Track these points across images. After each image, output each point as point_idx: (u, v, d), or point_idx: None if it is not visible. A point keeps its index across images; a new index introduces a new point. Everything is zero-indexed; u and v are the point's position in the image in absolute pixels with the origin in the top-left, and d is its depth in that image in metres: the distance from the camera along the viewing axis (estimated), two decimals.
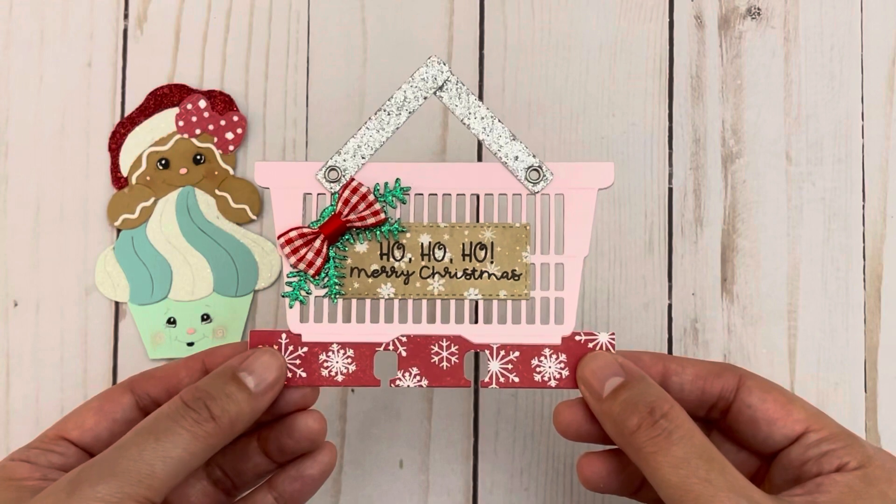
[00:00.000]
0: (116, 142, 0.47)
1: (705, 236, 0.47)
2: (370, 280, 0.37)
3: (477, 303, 0.37)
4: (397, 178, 0.37)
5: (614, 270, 0.47)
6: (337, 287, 0.37)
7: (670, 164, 0.47)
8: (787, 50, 0.48)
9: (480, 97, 0.48)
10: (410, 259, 0.37)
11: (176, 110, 0.47)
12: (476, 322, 0.37)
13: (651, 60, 0.48)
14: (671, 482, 0.32)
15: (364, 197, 0.37)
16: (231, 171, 0.47)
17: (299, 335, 0.37)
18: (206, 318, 0.46)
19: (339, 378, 0.37)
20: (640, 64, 0.48)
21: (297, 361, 0.37)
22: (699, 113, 0.47)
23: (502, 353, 0.37)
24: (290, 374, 0.37)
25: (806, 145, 0.47)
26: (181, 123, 0.47)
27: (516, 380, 0.37)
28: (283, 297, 0.37)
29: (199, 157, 0.47)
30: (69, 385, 0.46)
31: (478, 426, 0.46)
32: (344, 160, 0.37)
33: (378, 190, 0.37)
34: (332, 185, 0.37)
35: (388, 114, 0.37)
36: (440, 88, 0.37)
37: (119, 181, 0.47)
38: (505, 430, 0.46)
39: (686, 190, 0.47)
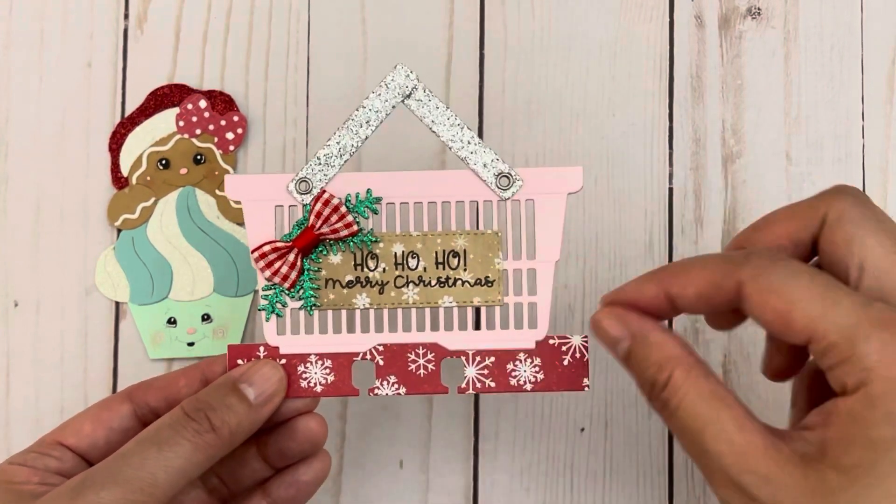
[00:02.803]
0: (117, 142, 0.47)
1: (705, 236, 0.47)
2: (345, 291, 0.38)
3: (452, 310, 0.38)
4: (368, 189, 0.37)
5: (614, 270, 0.47)
6: (312, 299, 0.37)
7: (670, 164, 0.47)
8: (787, 50, 0.48)
9: (481, 97, 0.48)
10: (384, 269, 0.38)
11: (176, 110, 0.47)
12: (451, 329, 0.37)
13: (651, 60, 0.48)
14: (687, 429, 0.31)
15: (336, 209, 0.37)
16: (231, 171, 0.47)
17: (277, 348, 0.37)
18: (206, 318, 0.46)
19: (318, 389, 0.37)
20: (640, 64, 0.48)
21: None
22: (699, 113, 0.47)
23: (478, 359, 0.37)
24: None
25: (806, 145, 0.47)
26: (181, 123, 0.47)
27: (493, 385, 0.37)
28: (259, 310, 0.38)
29: (199, 157, 0.47)
30: (69, 385, 0.46)
31: (478, 426, 0.46)
32: (315, 171, 0.37)
33: (350, 201, 0.37)
34: (303, 196, 0.37)
35: (358, 123, 0.37)
36: (408, 97, 0.37)
37: (119, 181, 0.47)
38: (505, 430, 0.46)
39: (686, 190, 0.47)
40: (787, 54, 0.48)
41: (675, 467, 0.46)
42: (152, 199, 0.46)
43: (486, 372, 0.37)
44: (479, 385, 0.37)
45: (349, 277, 0.38)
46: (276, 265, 0.37)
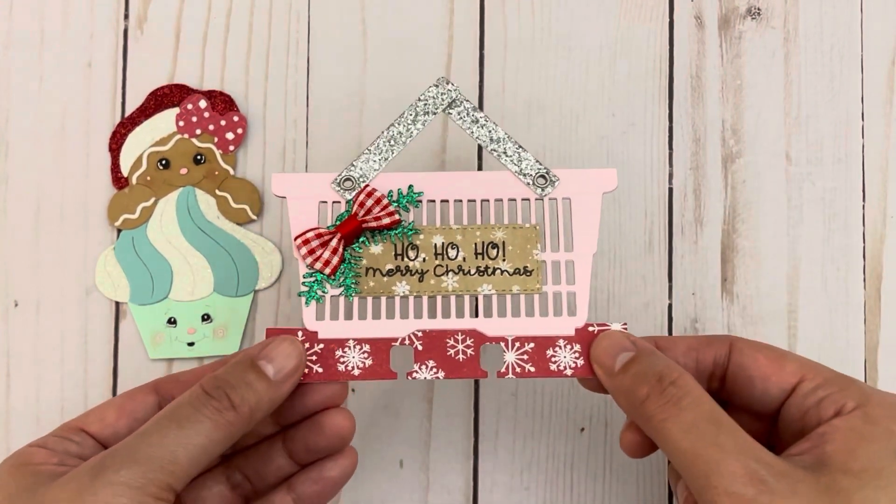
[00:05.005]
0: (117, 142, 0.47)
1: (705, 236, 0.47)
2: (385, 279, 0.38)
3: (491, 297, 0.38)
4: (410, 185, 0.38)
5: (614, 270, 0.47)
6: (353, 286, 0.38)
7: (670, 164, 0.47)
8: (787, 50, 0.48)
9: (481, 97, 0.48)
10: (424, 258, 0.38)
11: (176, 110, 0.47)
12: (490, 316, 0.38)
13: (651, 60, 0.48)
14: (682, 448, 0.32)
15: (379, 200, 0.38)
16: (231, 171, 0.47)
17: (315, 332, 0.37)
18: (206, 318, 0.46)
19: (356, 372, 0.37)
20: (640, 64, 0.48)
21: (314, 358, 0.37)
22: (699, 113, 0.47)
23: (517, 344, 0.37)
24: (306, 371, 0.37)
25: (806, 145, 0.47)
26: (181, 123, 0.47)
27: (532, 370, 0.37)
28: (299, 296, 0.38)
29: (199, 157, 0.47)
30: (69, 385, 0.46)
31: (478, 425, 0.46)
32: (359, 171, 0.38)
33: (392, 196, 0.38)
34: (346, 193, 0.38)
35: (399, 129, 0.39)
36: (449, 106, 0.39)
37: (119, 181, 0.47)
38: (505, 430, 0.46)
39: (686, 190, 0.47)
40: (787, 54, 0.48)
41: None
42: (152, 199, 0.46)
43: (525, 357, 0.37)
44: (518, 370, 0.37)
45: (390, 266, 0.38)
46: (319, 252, 0.37)
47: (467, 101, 0.39)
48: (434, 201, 0.38)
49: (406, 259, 0.38)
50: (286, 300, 0.46)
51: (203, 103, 0.47)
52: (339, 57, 0.48)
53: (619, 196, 0.47)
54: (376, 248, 0.38)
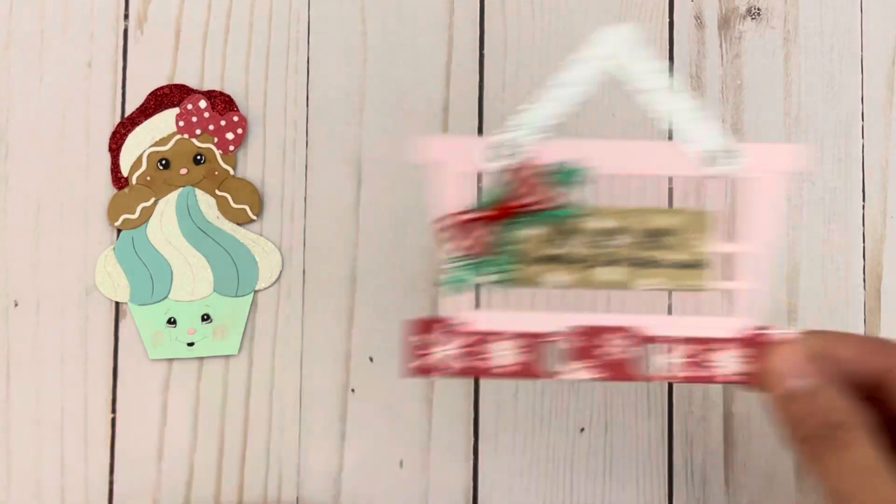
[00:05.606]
0: (116, 142, 0.47)
1: None
2: (541, 267, 0.34)
3: (653, 293, 0.35)
4: (573, 159, 0.34)
5: None
6: (506, 274, 0.34)
7: None
8: (787, 50, 0.48)
9: (480, 97, 0.48)
10: (584, 245, 0.34)
11: (176, 110, 0.47)
12: (651, 313, 0.35)
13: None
14: (839, 490, 0.31)
15: (537, 178, 0.33)
16: (231, 172, 0.47)
17: (467, 323, 0.34)
18: (206, 318, 0.46)
19: (509, 369, 0.34)
20: None
21: (465, 351, 0.34)
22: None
23: (679, 346, 0.34)
24: (459, 366, 0.34)
25: (806, 145, 0.47)
26: (181, 123, 0.47)
27: (692, 374, 0.34)
28: (442, 284, 0.34)
29: (199, 157, 0.47)
30: (69, 385, 0.46)
31: (478, 426, 0.46)
32: (515, 137, 0.34)
33: (552, 171, 0.34)
34: (501, 163, 0.34)
35: (562, 88, 0.34)
36: (616, 59, 0.34)
37: (119, 181, 0.47)
38: (505, 430, 0.46)
39: (686, 190, 0.47)
40: (787, 54, 0.48)
41: (675, 467, 0.46)
42: (152, 199, 0.46)
43: (686, 361, 0.34)
44: (678, 374, 0.34)
45: (546, 253, 0.34)
46: (465, 235, 0.34)
47: (637, 54, 0.33)
48: (599, 175, 0.34)
49: (564, 245, 0.34)
50: (286, 300, 0.46)
51: (203, 103, 0.47)
52: (339, 57, 0.48)
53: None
54: (532, 232, 0.34)
